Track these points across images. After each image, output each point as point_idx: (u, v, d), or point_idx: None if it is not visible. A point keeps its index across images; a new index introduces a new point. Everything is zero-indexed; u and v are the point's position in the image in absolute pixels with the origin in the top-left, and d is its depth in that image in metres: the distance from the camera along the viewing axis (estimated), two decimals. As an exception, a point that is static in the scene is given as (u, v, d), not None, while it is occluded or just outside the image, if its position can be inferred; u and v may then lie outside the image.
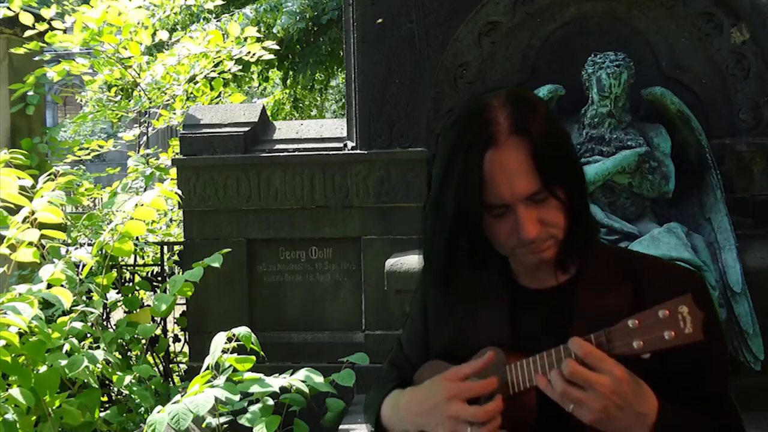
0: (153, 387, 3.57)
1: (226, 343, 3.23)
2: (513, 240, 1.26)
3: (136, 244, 4.22)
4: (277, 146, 4.33)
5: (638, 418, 1.15)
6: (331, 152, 4.21)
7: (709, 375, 1.31)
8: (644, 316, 1.10)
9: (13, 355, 2.95)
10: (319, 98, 12.41)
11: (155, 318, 4.18)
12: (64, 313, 3.36)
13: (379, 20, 4.08)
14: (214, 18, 8.82)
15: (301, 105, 11.43)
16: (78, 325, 3.32)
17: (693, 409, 1.26)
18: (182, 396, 2.89)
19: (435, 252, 1.33)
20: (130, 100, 6.28)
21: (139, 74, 5.30)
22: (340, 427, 3.47)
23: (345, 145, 4.22)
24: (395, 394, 1.40)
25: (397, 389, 1.41)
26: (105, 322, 4.26)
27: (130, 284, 4.43)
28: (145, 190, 4.65)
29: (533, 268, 1.33)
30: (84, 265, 3.70)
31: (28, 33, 4.91)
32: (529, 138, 1.22)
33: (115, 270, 4.26)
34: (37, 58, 5.43)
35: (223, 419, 3.29)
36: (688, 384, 1.28)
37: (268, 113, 5.14)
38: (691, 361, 1.27)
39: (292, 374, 3.33)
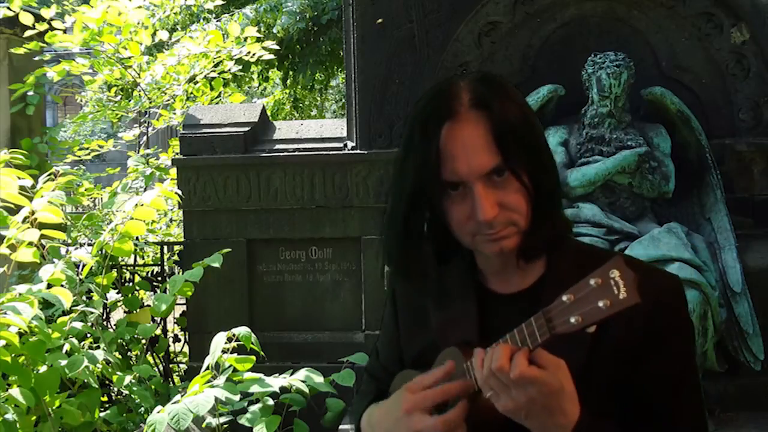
0: (153, 387, 3.57)
1: (226, 343, 3.23)
2: (471, 224, 1.18)
3: (136, 244, 4.22)
4: (277, 146, 4.33)
5: (557, 425, 1.11)
6: (331, 152, 4.21)
7: (671, 385, 1.21)
8: (578, 288, 1.03)
9: (13, 355, 2.95)
10: (319, 98, 12.42)
11: (155, 318, 4.18)
12: (64, 313, 3.36)
13: (379, 20, 4.08)
14: (214, 18, 8.82)
15: (301, 105, 11.43)
16: (78, 325, 3.32)
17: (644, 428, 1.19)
18: (182, 396, 2.89)
19: (393, 235, 1.26)
20: (130, 100, 6.28)
21: (139, 74, 5.30)
22: (340, 427, 3.47)
23: (345, 145, 4.22)
24: (370, 409, 1.37)
25: (374, 403, 1.38)
26: (105, 322, 4.26)
27: (130, 284, 4.43)
28: (145, 190, 4.65)
29: (499, 266, 1.27)
30: (84, 265, 3.70)
31: (28, 33, 4.91)
32: (489, 113, 1.17)
33: (115, 270, 4.26)
34: (37, 58, 5.43)
35: (223, 419, 3.29)
36: (651, 398, 1.20)
37: (268, 113, 5.14)
38: (652, 370, 1.20)
39: (292, 374, 3.33)
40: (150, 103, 5.36)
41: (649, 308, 1.12)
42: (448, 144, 1.17)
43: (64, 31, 5.13)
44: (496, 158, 1.16)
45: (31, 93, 5.07)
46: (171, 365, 4.59)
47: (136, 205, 3.45)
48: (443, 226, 1.24)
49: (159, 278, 4.57)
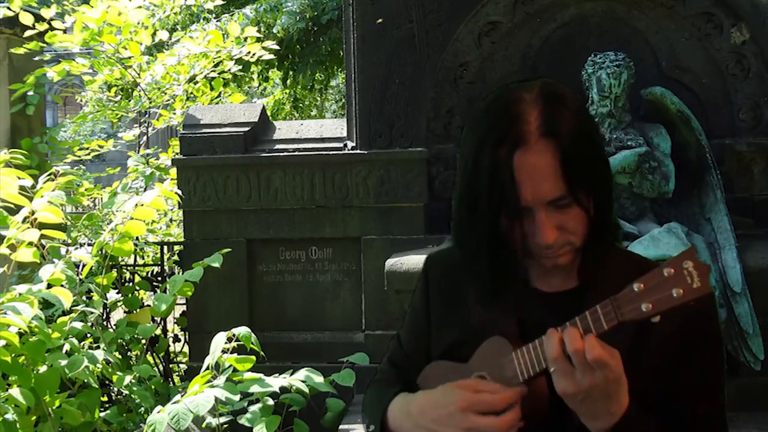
0: (153, 387, 3.57)
1: (226, 343, 3.23)
2: (530, 242, 1.24)
3: (136, 244, 4.22)
4: (277, 146, 4.33)
5: (606, 413, 1.15)
6: (331, 152, 4.21)
7: (701, 390, 1.27)
8: (649, 277, 1.07)
9: (13, 355, 2.95)
10: (319, 98, 12.42)
11: (155, 318, 4.18)
12: (64, 313, 3.36)
13: (379, 20, 4.08)
14: (214, 18, 8.82)
15: (301, 105, 11.43)
16: (78, 325, 3.32)
17: (672, 427, 1.24)
18: (182, 396, 2.89)
19: (476, 245, 1.28)
20: (130, 100, 6.28)
21: (139, 74, 5.30)
22: (340, 427, 3.47)
23: (345, 145, 4.22)
24: (403, 397, 1.36)
25: (404, 393, 1.38)
26: (105, 322, 4.26)
27: (130, 284, 4.43)
28: (145, 190, 4.64)
29: (546, 271, 1.31)
30: (84, 265, 3.70)
31: (28, 33, 4.91)
32: (558, 141, 1.19)
33: (115, 270, 4.26)
34: (37, 58, 5.43)
35: (223, 419, 3.29)
36: (680, 399, 1.25)
37: (268, 113, 5.14)
38: (685, 376, 1.25)
39: (292, 374, 3.33)
40: (150, 103, 5.36)
41: (686, 320, 1.19)
42: (517, 171, 1.19)
43: (64, 31, 5.13)
44: (562, 188, 1.19)
45: (31, 93, 5.07)
46: (171, 365, 4.59)
47: (136, 205, 3.45)
48: (499, 234, 1.27)
49: (159, 278, 4.57)
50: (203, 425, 3.24)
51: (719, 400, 1.30)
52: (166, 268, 4.69)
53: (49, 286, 3.18)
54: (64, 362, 3.04)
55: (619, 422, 1.14)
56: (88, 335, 3.62)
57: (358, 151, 4.15)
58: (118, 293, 4.28)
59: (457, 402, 1.22)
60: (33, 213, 3.30)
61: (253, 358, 3.23)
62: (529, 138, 1.19)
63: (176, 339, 4.62)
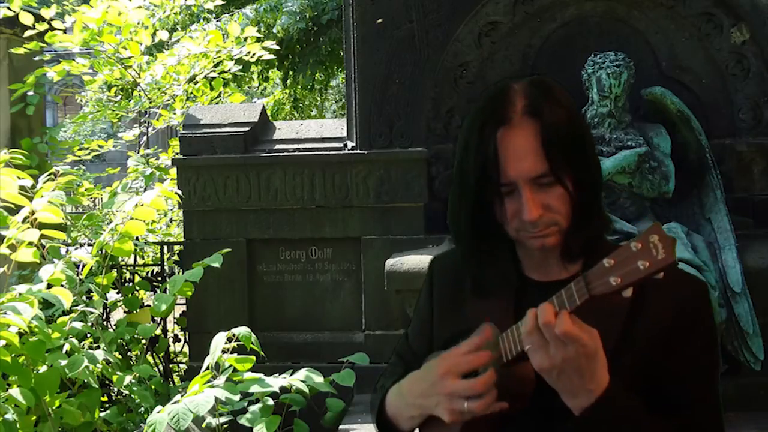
0: (153, 387, 3.57)
1: (226, 343, 3.23)
2: (516, 221, 1.28)
3: (136, 244, 4.22)
4: (277, 146, 4.34)
5: (585, 390, 1.16)
6: (331, 152, 4.21)
7: (692, 382, 1.28)
8: (619, 253, 1.10)
9: (13, 355, 2.95)
10: (319, 98, 12.42)
11: (155, 318, 4.17)
12: (64, 313, 3.36)
13: (379, 20, 4.08)
14: (214, 18, 8.82)
15: (301, 105, 11.43)
16: (78, 325, 3.32)
17: (665, 414, 1.25)
18: (182, 396, 2.89)
19: (462, 224, 1.35)
20: (130, 100, 6.27)
21: (139, 74, 5.30)
22: (340, 427, 3.47)
23: (345, 145, 4.22)
24: (399, 382, 1.42)
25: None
26: (105, 322, 4.26)
27: (130, 284, 4.43)
28: (145, 190, 4.64)
29: (540, 259, 1.35)
30: (84, 265, 3.70)
31: (28, 33, 4.91)
32: (540, 121, 1.25)
33: (115, 270, 4.26)
34: (37, 58, 5.43)
35: (223, 419, 3.29)
36: (671, 387, 1.26)
37: (268, 113, 5.14)
38: (675, 365, 1.26)
39: (292, 374, 3.33)
40: (150, 103, 5.36)
41: (677, 309, 1.25)
42: (500, 148, 1.25)
43: (64, 31, 5.13)
44: (543, 165, 1.24)
45: (31, 93, 5.07)
46: (171, 365, 4.59)
47: (136, 205, 3.45)
48: (491, 218, 1.33)
49: (159, 278, 4.57)
50: (203, 425, 3.24)
51: (711, 390, 1.31)
52: (166, 268, 4.69)
53: (49, 286, 3.18)
54: (64, 362, 3.04)
55: (599, 401, 1.16)
56: (88, 335, 3.61)
57: (358, 151, 4.15)
58: (118, 293, 4.28)
59: (437, 370, 1.27)
60: (33, 213, 3.30)
61: (253, 358, 3.23)
62: (513, 116, 1.26)
63: (176, 339, 4.62)
